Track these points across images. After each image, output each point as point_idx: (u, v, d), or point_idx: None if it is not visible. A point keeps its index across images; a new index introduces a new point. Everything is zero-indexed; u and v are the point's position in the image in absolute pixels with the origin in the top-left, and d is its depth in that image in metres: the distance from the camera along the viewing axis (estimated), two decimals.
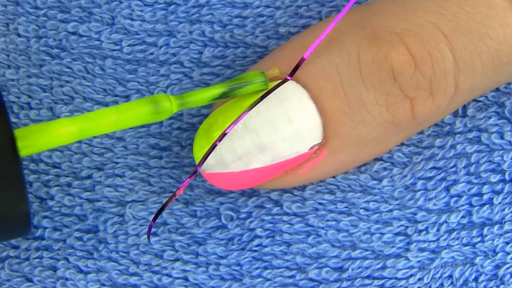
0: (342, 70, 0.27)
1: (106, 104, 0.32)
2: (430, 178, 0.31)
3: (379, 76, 0.26)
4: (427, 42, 0.26)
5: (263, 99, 0.27)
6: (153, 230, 0.32)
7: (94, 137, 0.32)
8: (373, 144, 0.28)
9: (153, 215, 0.32)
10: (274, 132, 0.27)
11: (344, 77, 0.27)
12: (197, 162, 0.28)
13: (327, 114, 0.27)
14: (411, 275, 0.30)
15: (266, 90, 0.27)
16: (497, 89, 0.30)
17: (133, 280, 0.32)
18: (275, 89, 0.27)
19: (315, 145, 0.28)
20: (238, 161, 0.27)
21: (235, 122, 0.27)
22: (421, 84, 0.26)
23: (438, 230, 0.30)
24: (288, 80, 0.27)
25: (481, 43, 0.26)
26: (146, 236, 0.32)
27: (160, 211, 0.28)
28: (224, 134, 0.27)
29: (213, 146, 0.27)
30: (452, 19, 0.26)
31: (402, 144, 0.31)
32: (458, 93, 0.27)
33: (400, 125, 0.27)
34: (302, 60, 0.27)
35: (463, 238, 0.30)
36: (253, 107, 0.27)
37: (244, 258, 0.31)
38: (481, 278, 0.30)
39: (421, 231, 0.30)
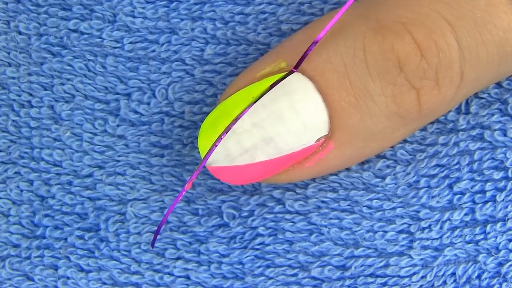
0: (348, 61, 0.27)
1: (107, 103, 0.32)
2: (433, 176, 0.30)
3: (385, 66, 0.26)
4: (432, 31, 0.26)
5: (269, 91, 0.27)
6: (154, 228, 0.32)
7: (95, 135, 0.32)
8: (380, 137, 0.28)
9: (154, 213, 0.32)
10: (281, 124, 0.27)
11: (350, 68, 0.27)
12: (202, 155, 0.28)
13: (333, 105, 0.27)
14: (414, 273, 0.30)
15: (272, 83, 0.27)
16: (500, 86, 0.30)
17: (134, 278, 0.32)
18: (281, 81, 0.27)
19: (321, 137, 0.27)
20: (244, 154, 0.27)
21: (241, 115, 0.27)
22: (427, 73, 0.26)
23: (441, 227, 0.30)
24: (294, 72, 0.27)
25: (486, 31, 0.26)
26: (147, 234, 0.32)
27: (170, 210, 0.28)
28: (230, 127, 0.27)
29: (219, 140, 0.27)
30: (457, 7, 0.26)
31: (405, 141, 0.31)
32: (464, 83, 0.27)
33: (406, 116, 0.27)
34: (307, 52, 0.27)
35: (466, 235, 0.30)
36: (258, 100, 0.27)
37: (246, 257, 0.31)
38: (484, 275, 0.30)
39: (424, 228, 0.30)
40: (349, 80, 0.27)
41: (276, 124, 0.27)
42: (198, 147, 0.29)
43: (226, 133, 0.27)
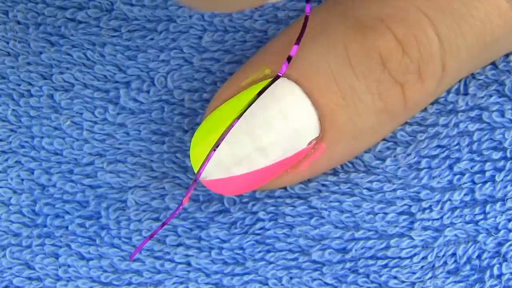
0: (332, 61, 0.27)
1: (107, 91, 0.32)
2: (434, 156, 0.31)
3: (368, 64, 0.27)
4: (411, 25, 0.26)
5: (256, 99, 0.27)
6: (155, 215, 0.32)
7: (95, 123, 0.32)
8: (369, 133, 0.28)
9: (155, 200, 0.32)
10: (272, 132, 0.27)
11: (335, 68, 0.27)
12: (195, 170, 0.28)
13: (322, 107, 0.27)
14: (415, 254, 0.31)
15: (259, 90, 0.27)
16: (496, 67, 0.31)
17: (135, 266, 0.32)
18: (268, 88, 0.27)
19: (312, 140, 0.28)
20: (238, 164, 0.27)
21: (231, 126, 0.27)
22: (410, 68, 0.27)
23: (441, 208, 0.30)
24: (280, 77, 0.27)
25: (464, 23, 0.27)
26: (148, 221, 0.32)
27: (163, 224, 0.28)
28: (221, 140, 0.27)
29: (211, 153, 0.27)
30: (434, 0, 0.27)
31: (405, 123, 0.31)
32: (445, 74, 0.27)
33: (393, 111, 0.27)
34: (289, 58, 0.26)
35: (466, 215, 0.30)
36: (247, 109, 0.27)
37: (246, 242, 0.31)
38: (484, 255, 0.30)
39: (424, 209, 0.31)
40: (335, 81, 0.27)
41: (267, 132, 0.27)
42: (190, 162, 0.28)
43: (218, 146, 0.27)
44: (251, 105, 0.27)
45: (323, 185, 0.31)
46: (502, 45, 0.28)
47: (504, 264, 0.30)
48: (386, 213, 0.31)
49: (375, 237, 0.31)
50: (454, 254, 0.31)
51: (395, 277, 0.31)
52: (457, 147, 0.31)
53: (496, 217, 0.30)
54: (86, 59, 0.32)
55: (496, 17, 0.27)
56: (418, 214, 0.31)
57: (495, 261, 0.30)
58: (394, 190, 0.31)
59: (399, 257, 0.31)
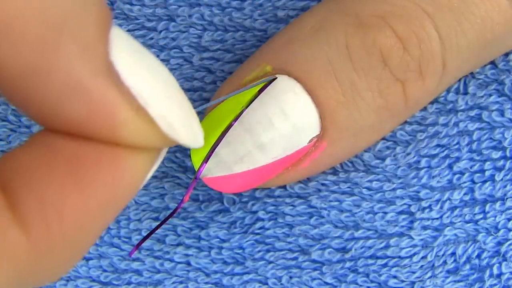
0: (333, 58, 0.27)
1: None
2: (434, 156, 0.31)
3: (369, 61, 0.27)
4: (411, 22, 0.26)
5: (257, 97, 0.27)
6: (155, 215, 0.32)
7: None
8: (369, 131, 0.28)
9: (155, 200, 0.32)
10: (272, 129, 0.27)
11: (336, 66, 0.27)
12: (196, 167, 0.27)
13: (323, 104, 0.27)
14: (415, 254, 0.31)
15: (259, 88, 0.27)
16: (496, 67, 0.31)
17: (135, 265, 0.32)
18: (269, 85, 0.27)
19: (313, 137, 0.27)
20: (239, 162, 0.27)
21: (232, 123, 0.27)
22: (411, 65, 0.27)
23: (441, 207, 0.30)
24: (281, 75, 0.27)
25: (464, 20, 0.27)
26: (147, 221, 0.32)
27: (164, 221, 0.28)
28: (221, 137, 0.27)
29: (212, 151, 0.27)
30: None
31: (405, 122, 0.31)
32: (446, 72, 0.27)
33: (393, 109, 0.27)
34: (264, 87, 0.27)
35: (465, 215, 0.30)
36: (247, 106, 0.27)
37: (246, 241, 0.31)
38: (484, 255, 0.30)
39: (424, 208, 0.31)
40: (336, 78, 0.27)
41: (267, 129, 0.27)
42: (191, 160, 0.28)
43: (218, 144, 0.27)
44: (252, 102, 0.27)
45: (322, 184, 0.31)
46: (502, 43, 0.28)
47: (504, 263, 0.30)
48: (385, 213, 0.31)
49: (374, 237, 0.31)
50: (453, 254, 0.31)
51: (394, 277, 0.31)
52: (456, 146, 0.31)
53: (495, 216, 0.30)
54: None
55: (496, 14, 0.27)
56: (418, 214, 0.31)
57: (494, 260, 0.30)
58: (394, 189, 0.31)
59: (399, 257, 0.31)
